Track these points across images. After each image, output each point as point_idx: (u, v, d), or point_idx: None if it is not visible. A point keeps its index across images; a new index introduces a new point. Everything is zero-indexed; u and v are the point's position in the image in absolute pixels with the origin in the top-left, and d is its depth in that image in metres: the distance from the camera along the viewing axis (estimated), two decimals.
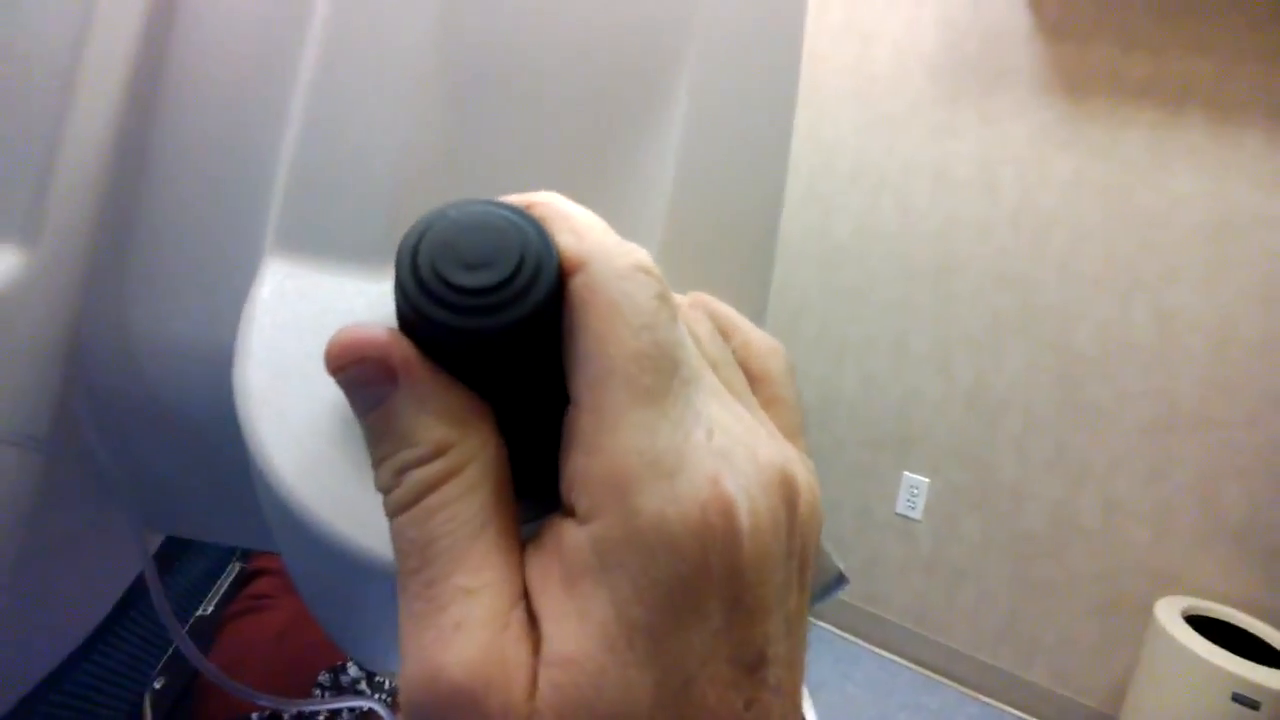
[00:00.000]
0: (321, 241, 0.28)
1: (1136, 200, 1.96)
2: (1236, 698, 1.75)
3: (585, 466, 0.18)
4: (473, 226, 0.19)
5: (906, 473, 2.40)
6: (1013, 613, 2.27)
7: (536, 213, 0.21)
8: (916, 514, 2.40)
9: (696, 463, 0.18)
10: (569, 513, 0.18)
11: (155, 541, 0.46)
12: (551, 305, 0.19)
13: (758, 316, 0.30)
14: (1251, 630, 1.89)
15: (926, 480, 2.37)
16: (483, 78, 0.30)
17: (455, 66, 0.30)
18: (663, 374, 0.18)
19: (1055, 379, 2.12)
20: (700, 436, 0.18)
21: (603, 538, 0.17)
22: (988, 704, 2.31)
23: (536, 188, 0.24)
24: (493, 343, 0.19)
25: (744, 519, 0.17)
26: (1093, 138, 1.99)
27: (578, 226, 0.20)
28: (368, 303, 0.27)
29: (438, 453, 0.18)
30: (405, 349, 0.19)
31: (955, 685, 2.37)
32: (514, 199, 0.22)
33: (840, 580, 0.26)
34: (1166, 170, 1.92)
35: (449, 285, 0.18)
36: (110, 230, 0.30)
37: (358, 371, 0.19)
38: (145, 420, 0.32)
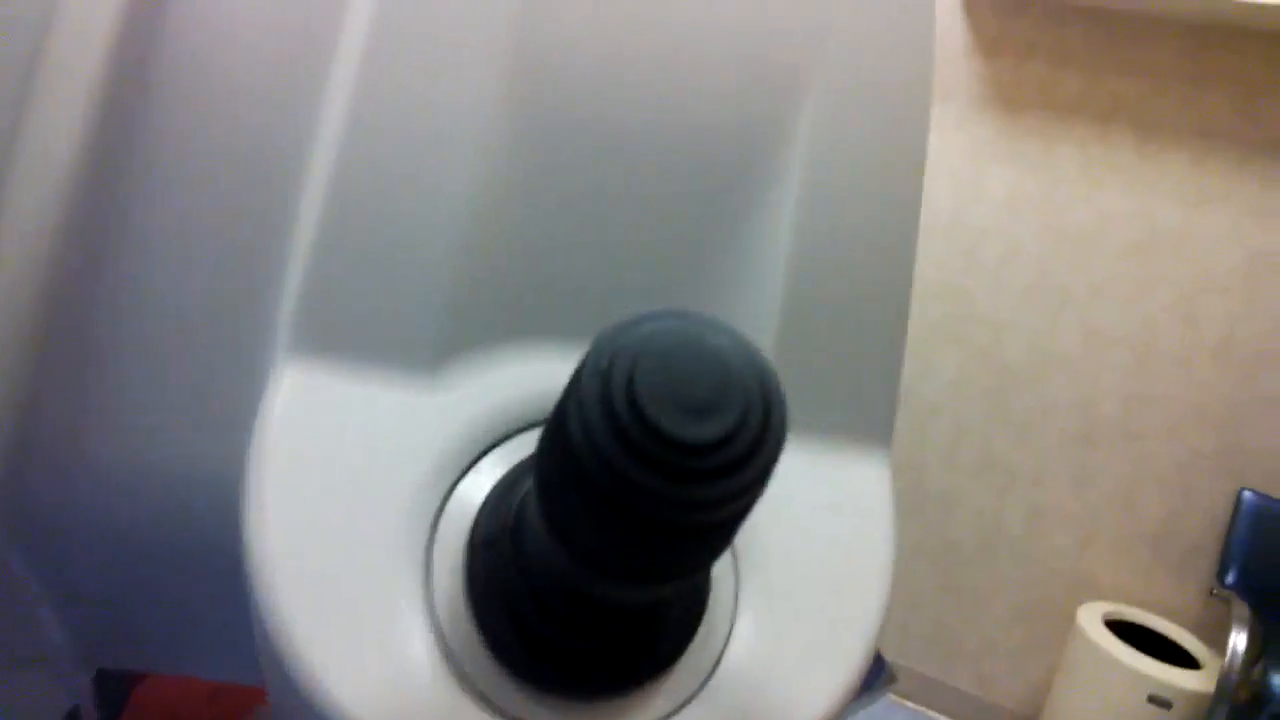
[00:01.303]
0: (352, 340, 0.21)
1: (1068, 215, 2.02)
2: (1151, 698, 1.81)
3: None
4: (687, 353, 0.14)
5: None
6: (938, 620, 2.31)
7: None
8: None
9: None
10: None
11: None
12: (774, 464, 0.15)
13: (889, 409, 0.25)
14: (1165, 634, 1.97)
15: None
16: (562, 129, 0.23)
17: (530, 116, 0.23)
18: None
19: (985, 389, 2.16)
20: None
21: None
22: (915, 710, 2.34)
23: (627, 271, 0.20)
24: (707, 516, 0.14)
25: None
26: (1027, 153, 2.04)
27: None
28: (420, 422, 0.21)
29: None
30: None
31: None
32: None
33: (890, 679, 0.24)
34: (1096, 186, 1.98)
35: (664, 438, 0.13)
36: (64, 336, 0.23)
37: None
38: (96, 552, 0.25)
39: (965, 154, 2.11)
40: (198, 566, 0.20)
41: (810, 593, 0.23)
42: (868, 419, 0.25)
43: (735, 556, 0.23)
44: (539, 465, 0.16)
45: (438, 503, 0.21)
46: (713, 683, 0.21)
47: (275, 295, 0.22)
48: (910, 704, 2.35)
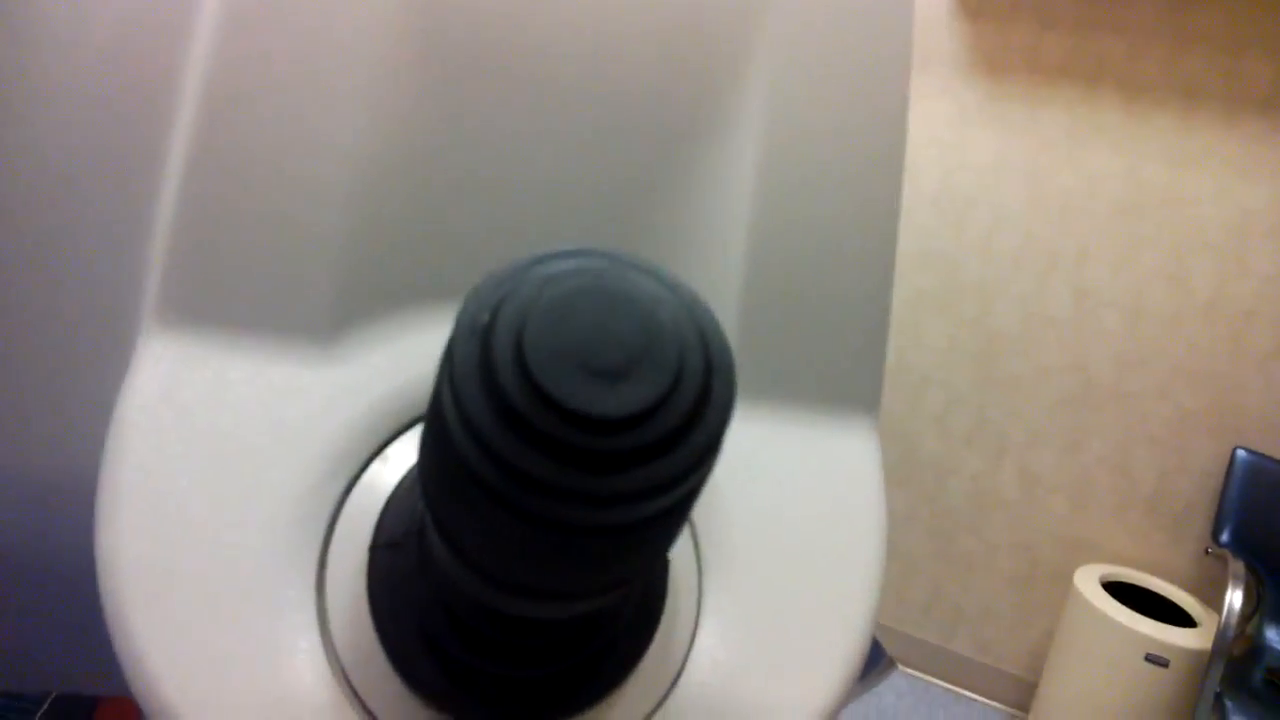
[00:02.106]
0: (231, 308, 0.18)
1: (1055, 180, 2.00)
2: (1149, 657, 1.82)
3: None
4: (596, 300, 0.11)
5: None
6: (936, 586, 2.31)
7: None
8: None
9: None
10: None
11: None
12: (714, 454, 0.11)
13: (875, 372, 0.22)
14: (1161, 593, 1.97)
15: None
16: (474, 52, 0.19)
17: (435, 37, 0.19)
18: None
19: (975, 356, 2.15)
20: None
21: None
22: (915, 676, 2.35)
23: (560, 219, 0.17)
24: (627, 514, 0.11)
25: None
26: (1012, 118, 2.02)
27: None
28: (314, 401, 0.17)
29: None
30: None
31: None
32: None
33: (890, 665, 0.20)
34: (1083, 149, 1.96)
35: (562, 412, 0.10)
36: None
37: None
38: None
39: (950, 120, 2.09)
40: (71, 576, 0.18)
41: (789, 583, 0.19)
42: (850, 383, 0.21)
43: (698, 544, 0.19)
44: (420, 452, 0.13)
45: (336, 497, 0.17)
46: (670, 703, 0.17)
47: (142, 258, 0.19)
48: (910, 671, 2.36)
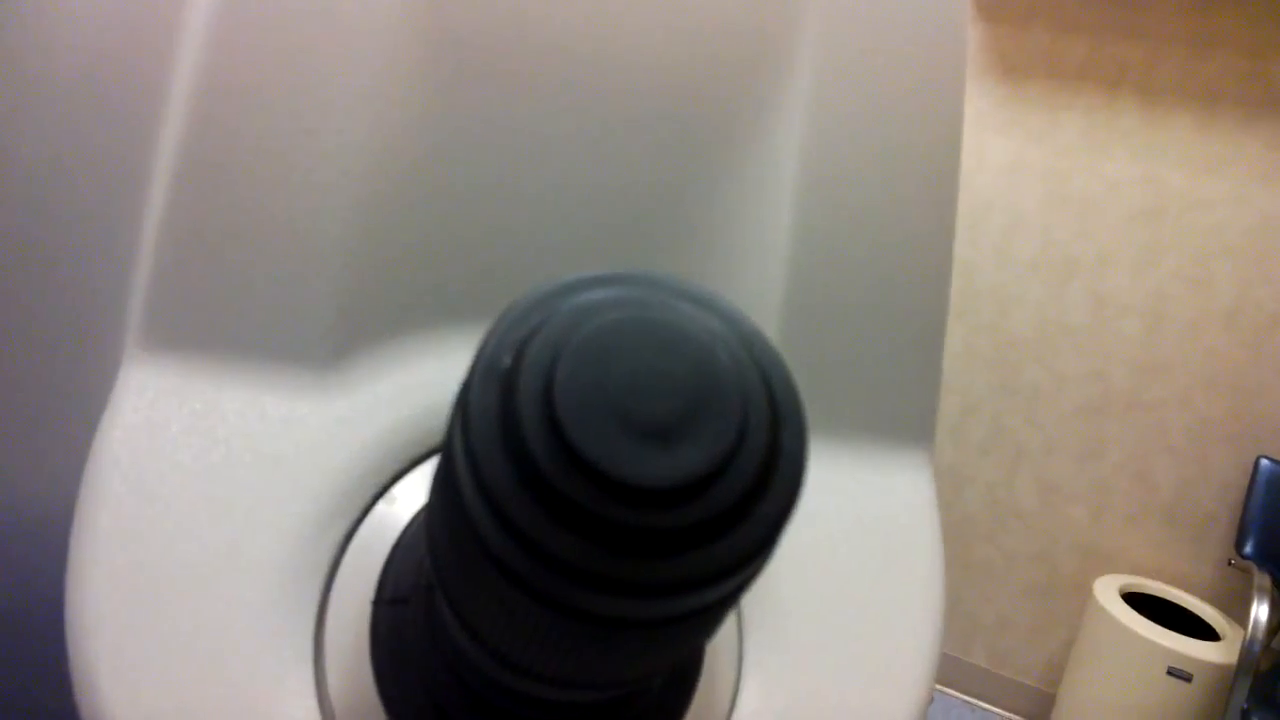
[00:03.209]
0: (222, 333, 0.16)
1: (1073, 184, 1.98)
2: (1171, 671, 1.78)
3: None
4: (641, 339, 0.08)
5: None
6: (952, 596, 2.29)
7: None
8: None
9: None
10: None
11: None
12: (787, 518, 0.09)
13: (929, 400, 0.19)
14: (1183, 604, 1.94)
15: None
16: (488, 60, 0.17)
17: (446, 45, 0.17)
18: None
19: (992, 362, 2.13)
20: None
21: None
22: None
23: (581, 239, 0.14)
24: (676, 605, 0.09)
25: None
26: (1030, 121, 2.00)
27: None
28: (312, 437, 0.15)
29: None
30: None
31: None
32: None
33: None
34: (1102, 154, 1.94)
35: (602, 481, 0.08)
36: None
37: None
38: None
39: (966, 124, 2.07)
40: (52, 617, 0.16)
41: (839, 639, 0.17)
42: (903, 414, 0.19)
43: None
44: (427, 516, 0.11)
45: (336, 543, 0.16)
46: None
47: (124, 280, 0.17)
48: None
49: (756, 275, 0.19)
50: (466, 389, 0.09)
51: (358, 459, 0.15)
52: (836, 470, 0.18)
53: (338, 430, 0.15)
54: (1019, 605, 2.20)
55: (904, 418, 0.19)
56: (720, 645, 0.16)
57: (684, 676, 0.16)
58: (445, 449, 0.10)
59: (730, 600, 0.10)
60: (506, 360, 0.09)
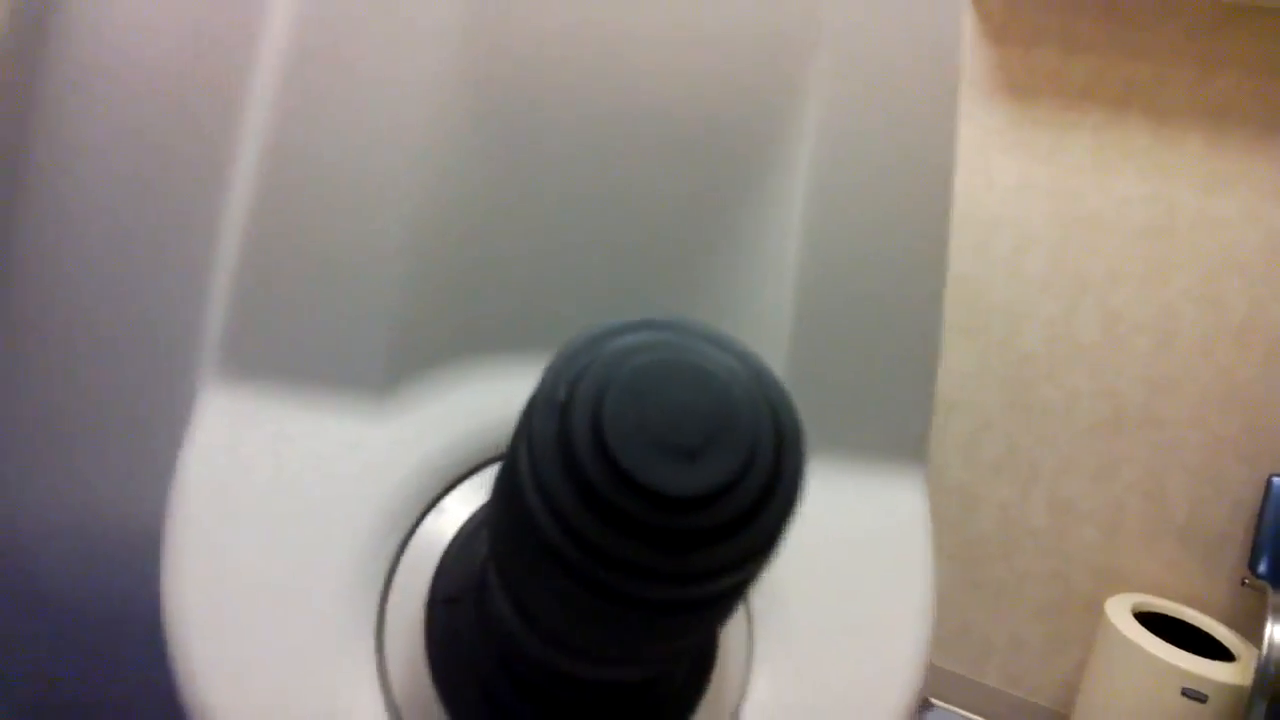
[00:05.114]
0: (290, 363, 0.18)
1: (1082, 203, 1.99)
2: (1185, 692, 1.77)
3: None
4: (672, 376, 0.11)
5: None
6: (965, 616, 2.27)
7: None
8: None
9: None
10: None
11: None
12: (787, 523, 0.12)
13: (922, 420, 0.22)
14: (1197, 625, 1.93)
15: None
16: (528, 115, 0.19)
17: (490, 101, 0.19)
18: None
19: (1003, 381, 2.13)
20: None
21: None
22: (944, 709, 2.31)
23: (610, 274, 0.16)
24: (703, 589, 0.11)
25: None
26: (1038, 141, 2.01)
27: None
28: (371, 454, 0.17)
29: None
30: None
31: None
32: None
33: (926, 705, 0.20)
34: (1111, 173, 1.95)
35: (642, 491, 0.10)
36: None
37: None
38: (25, 616, 0.22)
39: (974, 144, 2.08)
40: (137, 627, 0.18)
41: (838, 640, 0.19)
42: (897, 433, 0.21)
43: (748, 598, 0.19)
44: (491, 521, 0.13)
45: (393, 550, 0.17)
46: None
47: (202, 314, 0.19)
48: (939, 703, 2.32)
49: (769, 301, 0.21)
50: (529, 417, 0.11)
51: (411, 476, 0.17)
52: (840, 484, 0.20)
53: (392, 450, 0.17)
54: (1032, 625, 2.19)
55: (900, 436, 0.21)
56: (732, 640, 0.18)
57: (701, 665, 0.18)
58: (509, 466, 0.12)
59: (741, 588, 0.12)
60: (562, 394, 0.11)
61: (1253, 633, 1.87)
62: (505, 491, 0.12)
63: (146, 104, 0.19)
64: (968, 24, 2.05)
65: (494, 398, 0.17)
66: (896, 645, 0.19)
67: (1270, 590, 1.77)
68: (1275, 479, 1.87)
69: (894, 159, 0.22)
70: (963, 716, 2.28)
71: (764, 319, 0.21)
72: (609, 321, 0.12)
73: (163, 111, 0.19)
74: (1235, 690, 1.73)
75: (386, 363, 0.18)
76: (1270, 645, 1.65)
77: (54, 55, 0.19)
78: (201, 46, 0.20)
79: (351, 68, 0.19)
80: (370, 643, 0.16)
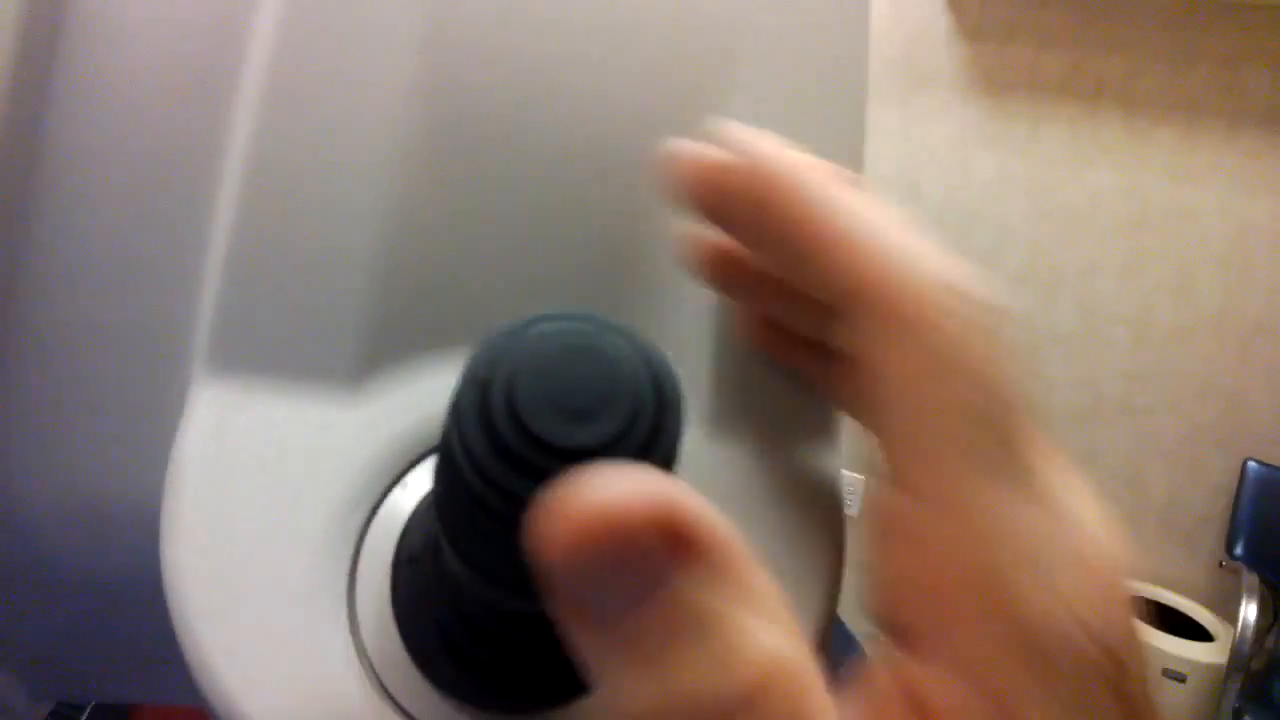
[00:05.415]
0: (272, 356, 0.21)
1: (1058, 196, 2.02)
2: (1166, 672, 1.81)
3: (931, 566, 0.14)
4: (573, 356, 0.14)
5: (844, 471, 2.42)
6: None
7: (760, 179, 0.16)
8: (854, 512, 2.42)
9: (1071, 551, 0.14)
10: (897, 635, 0.14)
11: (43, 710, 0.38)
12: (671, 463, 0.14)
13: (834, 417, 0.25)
14: (1176, 607, 1.96)
15: (861, 478, 2.39)
16: (477, 126, 0.22)
17: (443, 113, 0.22)
18: (1007, 434, 0.14)
19: None
20: (1063, 515, 0.14)
21: (976, 659, 0.13)
22: None
23: (555, 274, 0.20)
24: None
25: (1135, 620, 0.14)
26: (1014, 136, 2.04)
27: (849, 217, 0.15)
28: (343, 438, 0.20)
29: (775, 670, 0.12)
30: (703, 504, 0.12)
31: None
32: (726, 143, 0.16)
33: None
34: (1086, 166, 1.98)
35: (542, 445, 0.13)
36: None
37: (621, 554, 0.12)
38: (26, 586, 0.25)
39: (951, 139, 2.11)
40: (134, 597, 0.21)
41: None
42: (813, 416, 0.23)
43: None
44: (434, 483, 0.16)
45: (363, 519, 0.20)
46: None
47: (193, 313, 0.22)
48: None
49: (696, 297, 0.24)
50: (458, 393, 0.14)
51: (379, 455, 0.20)
52: (757, 455, 0.23)
53: (363, 433, 0.20)
54: None
55: (815, 419, 0.23)
56: None
57: None
58: (445, 434, 0.15)
59: None
60: (484, 372, 0.14)
61: (1231, 614, 1.91)
62: (442, 455, 0.15)
63: (142, 111, 0.22)
64: (872, 21, 2.08)
65: (451, 388, 0.20)
66: (812, 570, 0.21)
67: (1245, 571, 1.81)
68: (1250, 463, 1.91)
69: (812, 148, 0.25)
70: None
71: (692, 312, 0.23)
72: (528, 315, 0.15)
73: (158, 120, 0.22)
74: (1214, 669, 1.76)
75: (357, 356, 0.21)
76: (1244, 624, 1.69)
77: (63, 56, 0.22)
78: (191, 52, 0.23)
79: (326, 81, 0.22)
80: (343, 599, 0.19)
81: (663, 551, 0.12)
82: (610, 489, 0.12)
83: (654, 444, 0.14)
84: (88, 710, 0.63)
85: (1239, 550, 1.89)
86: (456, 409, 0.14)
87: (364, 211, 0.22)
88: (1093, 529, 0.15)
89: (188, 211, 0.23)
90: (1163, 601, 1.98)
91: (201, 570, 0.18)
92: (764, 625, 0.12)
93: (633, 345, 0.14)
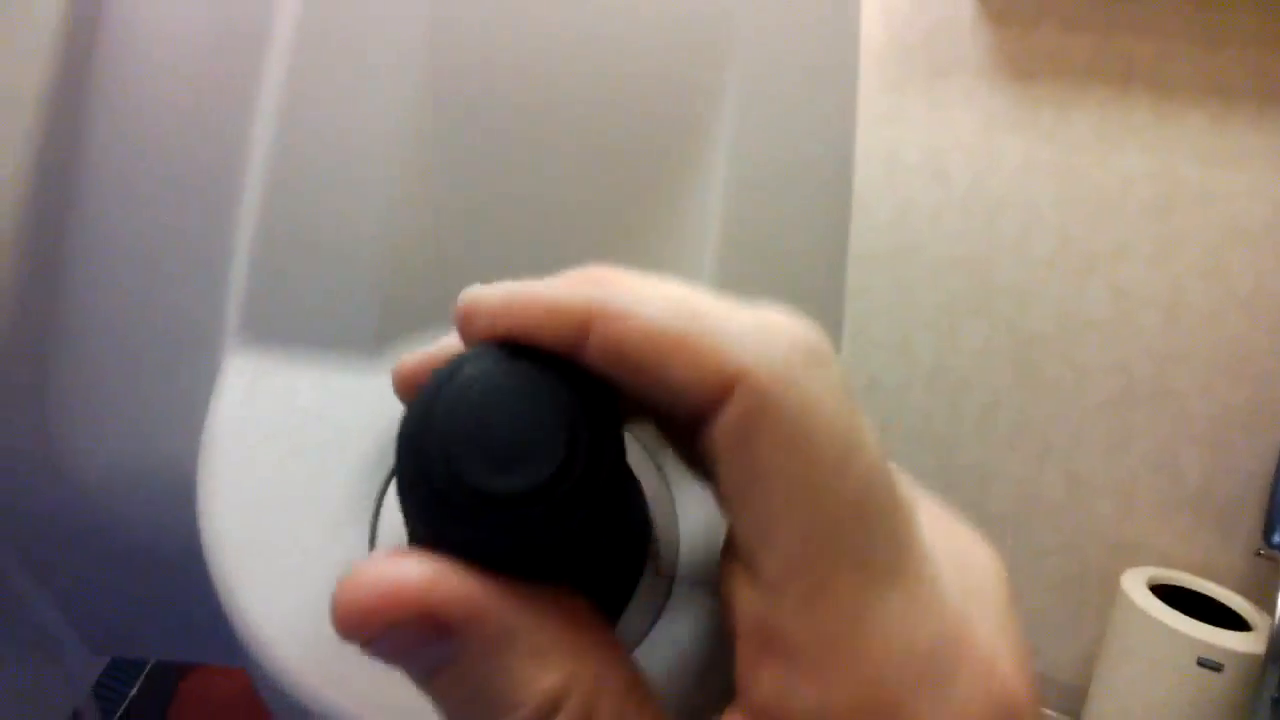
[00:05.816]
0: (298, 329, 0.23)
1: (1086, 180, 2.00)
2: (1201, 662, 1.79)
3: (818, 683, 0.13)
4: (496, 399, 0.14)
5: None
6: None
7: (594, 304, 0.15)
8: None
9: (973, 656, 0.13)
10: None
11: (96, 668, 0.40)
12: (617, 492, 0.15)
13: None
14: (1211, 595, 1.94)
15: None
16: (482, 113, 0.24)
17: (450, 102, 0.24)
18: (885, 522, 0.13)
19: (1013, 358, 2.15)
20: (959, 613, 0.14)
21: None
22: None
23: (552, 256, 0.20)
24: (539, 552, 0.14)
25: None
26: (1041, 120, 2.02)
27: (698, 320, 0.14)
28: (360, 407, 0.22)
29: (554, 706, 0.13)
30: (455, 585, 0.13)
31: None
32: (555, 285, 0.15)
33: None
34: (1115, 150, 1.96)
35: (474, 494, 0.14)
36: (22, 328, 0.24)
37: (394, 639, 0.13)
38: (82, 547, 0.27)
39: (976, 125, 2.10)
40: (181, 557, 0.23)
41: None
42: None
43: (669, 483, 0.22)
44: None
45: (384, 475, 0.22)
46: (675, 594, 0.20)
47: (224, 290, 0.24)
48: None
49: (691, 277, 0.25)
50: (397, 453, 0.15)
51: (395, 421, 0.23)
52: None
53: (382, 400, 0.22)
54: (1048, 600, 2.21)
55: None
56: (659, 506, 0.22)
57: (638, 543, 0.20)
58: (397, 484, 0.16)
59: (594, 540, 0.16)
60: (414, 420, 0.15)
61: (1268, 602, 1.88)
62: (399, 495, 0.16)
63: (176, 110, 0.25)
64: (866, 13, 2.06)
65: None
66: None
67: None
68: None
69: (799, 154, 0.26)
70: None
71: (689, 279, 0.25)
72: (481, 346, 0.15)
73: (190, 118, 0.25)
74: (1251, 659, 1.74)
75: (377, 329, 0.23)
76: None
77: (103, 53, 0.24)
78: (219, 54, 0.25)
79: (344, 80, 0.24)
80: (365, 545, 0.21)
81: (428, 632, 0.13)
82: (364, 590, 0.13)
83: (589, 483, 0.14)
84: (143, 674, 0.66)
85: (1277, 538, 1.86)
86: (398, 460, 0.15)
87: (381, 195, 0.24)
88: (986, 632, 0.14)
89: (220, 200, 0.25)
90: (1197, 589, 1.96)
91: (234, 524, 0.20)
92: (539, 664, 0.13)
93: (564, 383, 0.15)
